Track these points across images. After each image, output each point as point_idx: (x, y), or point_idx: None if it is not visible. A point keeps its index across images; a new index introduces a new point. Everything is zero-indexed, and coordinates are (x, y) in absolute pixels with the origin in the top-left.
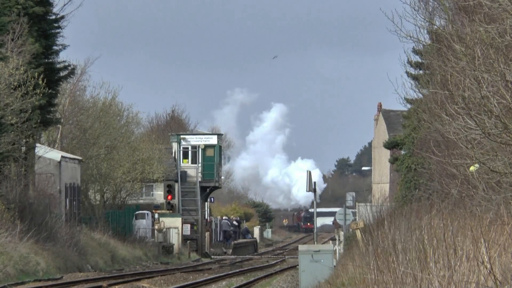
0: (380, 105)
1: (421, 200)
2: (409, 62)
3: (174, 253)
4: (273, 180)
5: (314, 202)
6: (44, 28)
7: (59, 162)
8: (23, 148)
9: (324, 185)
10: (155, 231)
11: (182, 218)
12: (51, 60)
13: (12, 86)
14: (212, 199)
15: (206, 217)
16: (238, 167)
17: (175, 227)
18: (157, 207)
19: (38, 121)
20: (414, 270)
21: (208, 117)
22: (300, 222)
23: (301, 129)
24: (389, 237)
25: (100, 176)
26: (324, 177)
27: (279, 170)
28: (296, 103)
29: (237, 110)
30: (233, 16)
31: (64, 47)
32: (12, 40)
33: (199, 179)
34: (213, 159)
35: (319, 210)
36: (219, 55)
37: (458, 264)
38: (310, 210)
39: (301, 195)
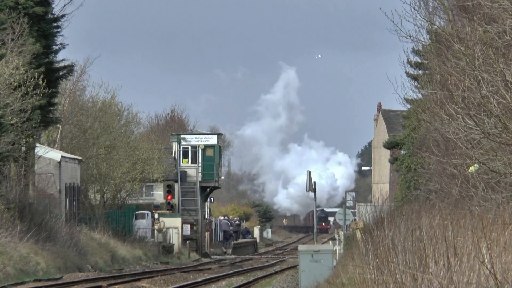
0: (379, 105)
1: (421, 200)
2: (409, 62)
3: (174, 253)
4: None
5: (314, 203)
6: (44, 28)
7: (59, 162)
8: (23, 148)
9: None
10: (155, 231)
11: (182, 218)
12: (50, 60)
13: (12, 86)
14: (212, 199)
15: (206, 217)
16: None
17: (175, 227)
18: (157, 207)
19: (38, 121)
20: (414, 270)
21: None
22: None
23: (300, 128)
24: (389, 237)
25: (100, 176)
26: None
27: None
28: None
29: (236, 89)
30: (233, 16)
31: (64, 46)
32: (12, 40)
33: (199, 179)
34: (213, 159)
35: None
36: (219, 55)
37: (458, 264)
38: (325, 209)
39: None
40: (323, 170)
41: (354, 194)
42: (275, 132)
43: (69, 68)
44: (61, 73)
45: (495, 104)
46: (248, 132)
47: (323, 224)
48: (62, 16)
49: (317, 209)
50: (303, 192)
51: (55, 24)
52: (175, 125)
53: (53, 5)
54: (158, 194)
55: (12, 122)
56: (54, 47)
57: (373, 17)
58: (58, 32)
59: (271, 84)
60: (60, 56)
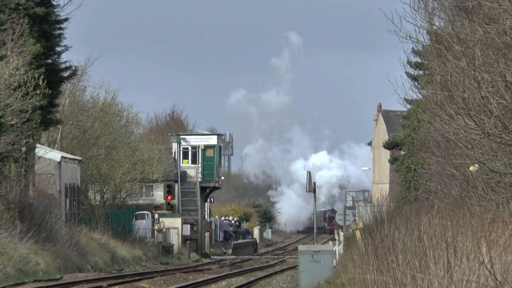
0: (379, 106)
1: (421, 200)
2: (409, 63)
3: (174, 253)
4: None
5: (314, 204)
6: (45, 29)
7: (59, 162)
8: (23, 149)
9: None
10: (155, 231)
11: (182, 218)
12: (52, 61)
13: (12, 87)
14: (212, 199)
15: (205, 218)
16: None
17: (175, 227)
18: (157, 207)
19: (39, 121)
20: (414, 270)
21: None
22: (325, 222)
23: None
24: (389, 238)
25: (100, 176)
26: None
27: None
28: (295, 103)
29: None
30: (233, 16)
31: (67, 48)
32: (13, 40)
33: (199, 180)
34: (213, 159)
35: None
36: (219, 55)
37: (458, 264)
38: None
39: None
40: (330, 166)
41: (354, 194)
42: (278, 109)
43: (72, 71)
44: (63, 74)
45: (495, 105)
46: (237, 96)
47: (333, 224)
48: (66, 19)
49: (327, 209)
50: (297, 210)
51: (58, 26)
52: (175, 126)
53: (56, 7)
54: (158, 195)
55: (12, 122)
56: (57, 49)
57: (373, 17)
58: (61, 34)
59: (268, 82)
60: (62, 57)
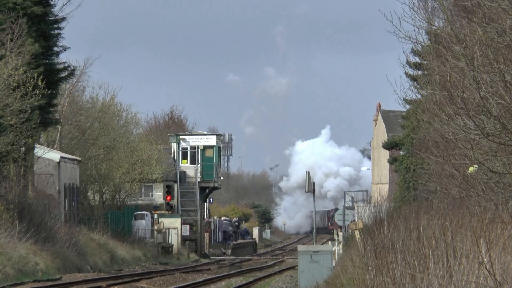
0: (379, 106)
1: (420, 200)
2: (408, 63)
3: (173, 253)
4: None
5: (313, 204)
6: (44, 29)
7: (58, 162)
8: (22, 149)
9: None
10: (154, 232)
11: (181, 219)
12: (50, 61)
13: (11, 87)
14: (211, 199)
15: (205, 218)
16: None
17: (174, 227)
18: (156, 207)
19: (38, 121)
20: (413, 271)
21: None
22: (329, 222)
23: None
24: (388, 238)
25: (99, 176)
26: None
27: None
28: (295, 103)
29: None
30: (234, 16)
31: (65, 48)
32: (11, 40)
33: (198, 180)
34: (212, 159)
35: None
36: (219, 55)
37: (457, 264)
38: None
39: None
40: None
41: (353, 194)
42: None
43: (70, 71)
44: (62, 74)
45: (494, 105)
46: (235, 79)
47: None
48: (63, 18)
49: (331, 208)
50: (300, 215)
51: (55, 25)
52: (175, 126)
53: (54, 7)
54: (158, 195)
55: (11, 122)
56: (55, 49)
57: (372, 18)
58: (59, 34)
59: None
60: (60, 57)
